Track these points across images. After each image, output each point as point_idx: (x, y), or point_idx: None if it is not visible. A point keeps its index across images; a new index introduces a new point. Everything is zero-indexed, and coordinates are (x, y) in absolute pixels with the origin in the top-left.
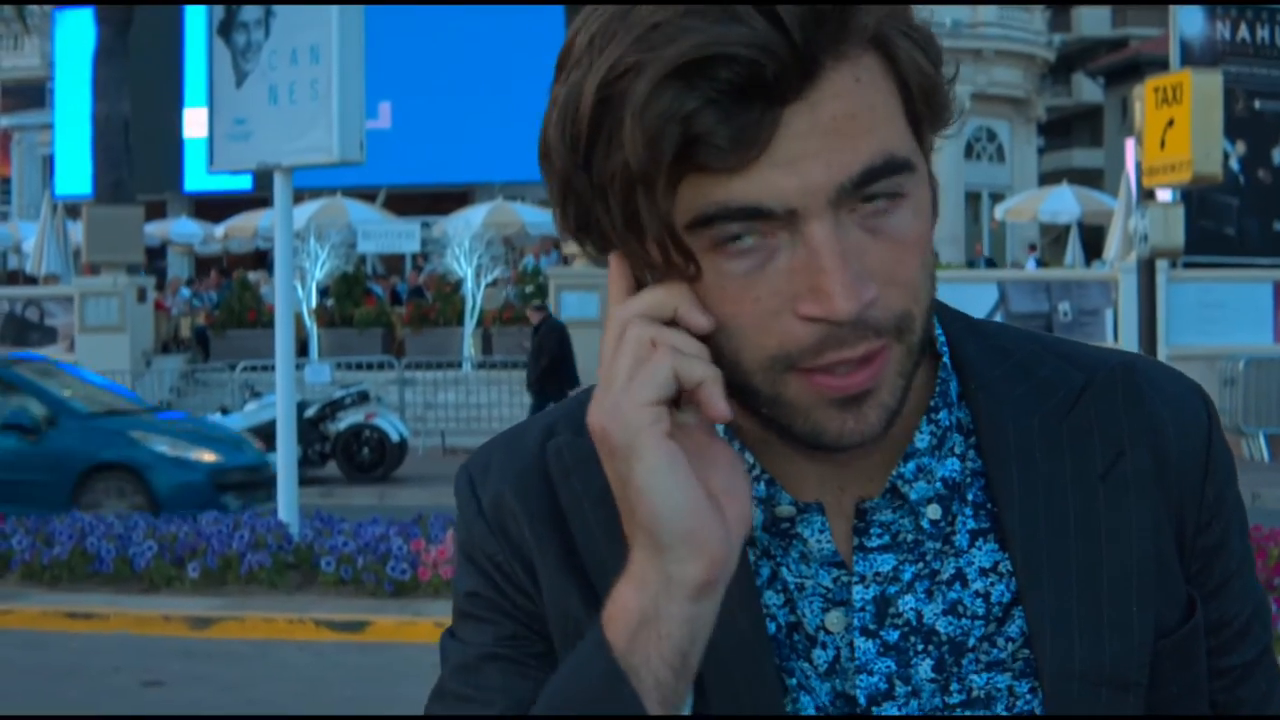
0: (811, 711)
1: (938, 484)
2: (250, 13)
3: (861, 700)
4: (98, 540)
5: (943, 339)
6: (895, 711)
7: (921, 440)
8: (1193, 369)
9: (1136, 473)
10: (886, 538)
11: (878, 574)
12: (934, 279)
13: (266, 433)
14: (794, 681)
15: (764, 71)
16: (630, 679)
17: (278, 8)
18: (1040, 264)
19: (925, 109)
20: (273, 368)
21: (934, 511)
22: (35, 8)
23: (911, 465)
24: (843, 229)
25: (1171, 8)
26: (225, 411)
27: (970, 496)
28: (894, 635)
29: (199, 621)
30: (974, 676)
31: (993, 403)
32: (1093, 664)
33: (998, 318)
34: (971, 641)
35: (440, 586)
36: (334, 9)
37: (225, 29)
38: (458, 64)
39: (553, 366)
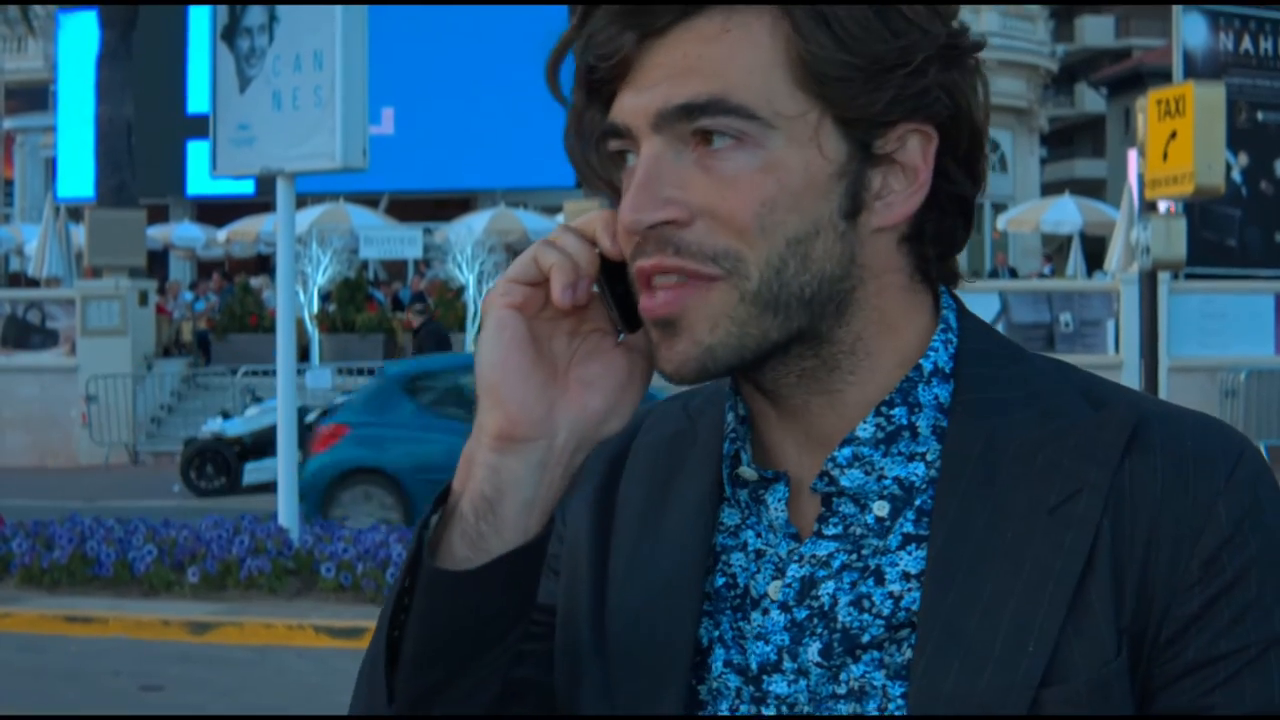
0: (720, 664)
1: (889, 482)
2: (254, 18)
3: (753, 667)
4: (97, 544)
5: (938, 347)
6: (784, 686)
7: (864, 430)
8: (1194, 380)
9: (1086, 513)
10: (840, 528)
11: (814, 556)
12: (795, 244)
13: (267, 438)
14: (717, 634)
15: (640, 4)
16: (455, 510)
17: (281, 13)
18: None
19: (809, 80)
20: (274, 372)
21: (881, 509)
22: (40, 9)
23: (847, 451)
24: (672, 155)
25: (1175, 19)
26: (226, 416)
27: (918, 502)
28: (802, 614)
29: (198, 626)
30: (855, 667)
31: (969, 416)
32: (964, 690)
33: (999, 328)
34: (866, 638)
35: None
36: (338, 14)
37: (229, 34)
38: (460, 70)
39: None
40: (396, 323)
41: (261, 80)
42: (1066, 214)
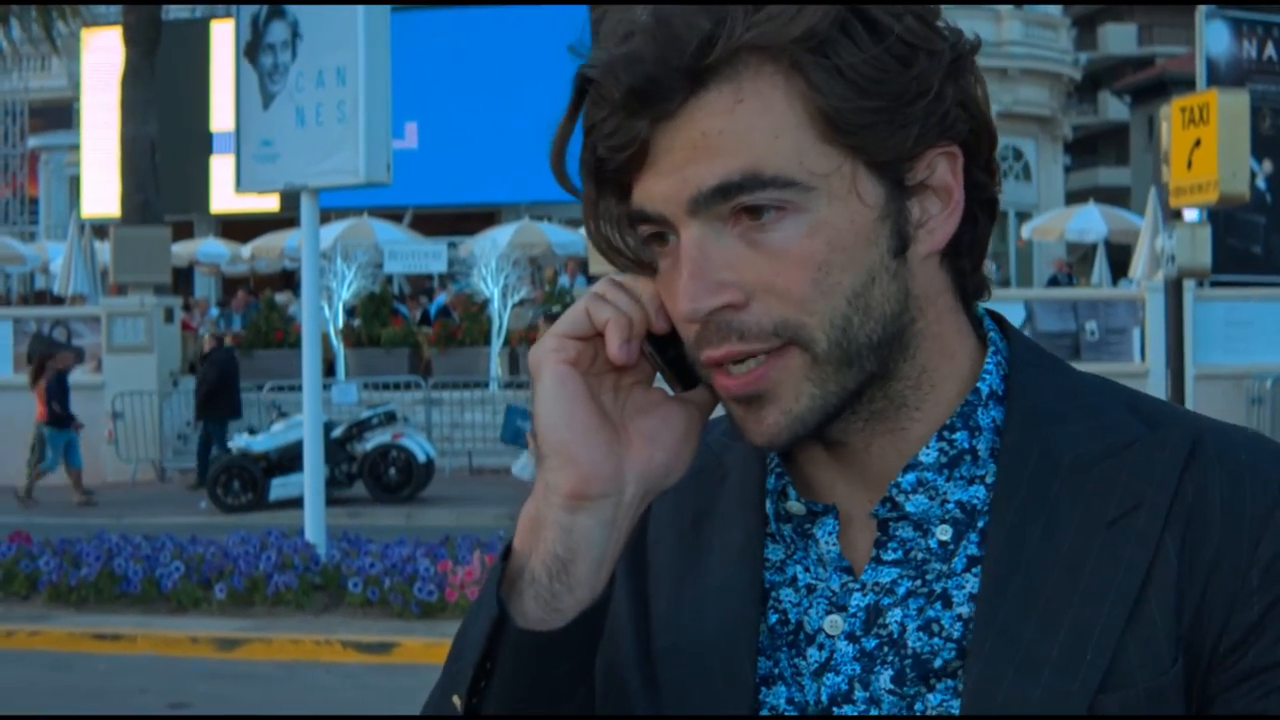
0: (783, 702)
1: (951, 506)
2: (277, 34)
3: (824, 699)
4: (125, 561)
5: (991, 368)
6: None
7: (927, 455)
8: (1219, 388)
9: (1147, 527)
10: (900, 553)
11: (877, 584)
12: (855, 298)
13: (293, 453)
14: (777, 671)
15: (645, 85)
16: (522, 575)
17: (304, 29)
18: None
19: (836, 134)
20: (299, 388)
21: (944, 533)
22: (64, 28)
23: (911, 477)
24: (715, 237)
25: (1198, 27)
26: (253, 432)
27: (981, 524)
28: (872, 643)
29: (226, 643)
30: (931, 696)
31: (1023, 427)
32: (1018, 696)
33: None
34: (938, 662)
35: (467, 608)
36: (360, 30)
37: (252, 51)
38: (484, 84)
39: (211, 395)
40: (422, 337)
41: (285, 96)
42: (1091, 222)
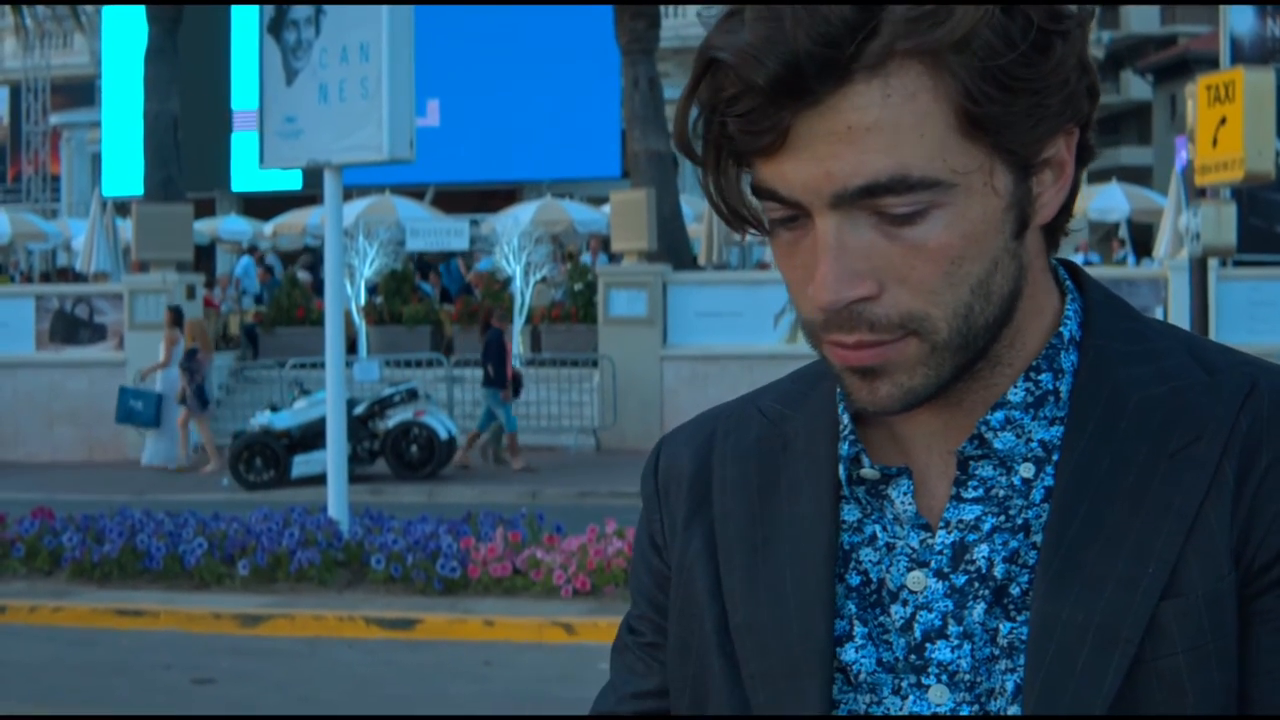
0: (872, 662)
1: (1035, 445)
2: (300, 11)
3: (918, 635)
4: (148, 538)
5: (1071, 314)
6: (948, 651)
7: (1015, 395)
8: None
9: (1206, 454)
10: (981, 490)
11: (961, 521)
12: (979, 286)
13: (316, 430)
14: (865, 630)
15: (790, 75)
16: None
17: (328, 6)
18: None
19: (980, 132)
20: (322, 365)
21: (1027, 470)
22: (89, 5)
23: (1000, 415)
24: (851, 226)
25: (1221, 6)
26: (275, 409)
27: (1056, 458)
28: (961, 580)
29: (249, 619)
30: (1003, 624)
31: (1097, 368)
32: (1083, 610)
33: None
34: (1015, 589)
35: (490, 584)
36: (384, 7)
37: (276, 27)
38: (506, 62)
39: None
40: (444, 314)
41: (308, 73)
42: (1114, 201)
